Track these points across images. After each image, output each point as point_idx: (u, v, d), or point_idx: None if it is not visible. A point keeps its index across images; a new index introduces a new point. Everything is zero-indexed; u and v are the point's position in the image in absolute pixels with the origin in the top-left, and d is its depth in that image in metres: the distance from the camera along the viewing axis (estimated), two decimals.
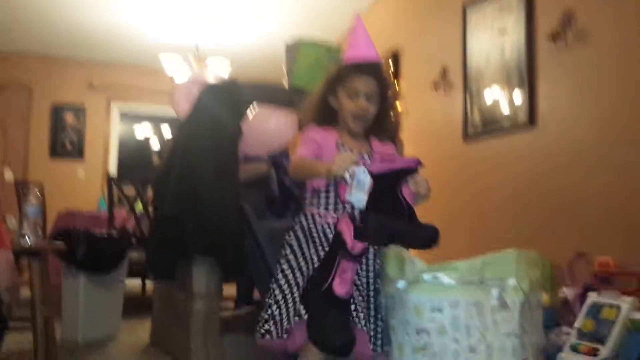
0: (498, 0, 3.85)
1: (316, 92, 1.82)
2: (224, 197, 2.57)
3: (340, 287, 1.50)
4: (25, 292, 2.17)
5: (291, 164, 1.79)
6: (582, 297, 2.80)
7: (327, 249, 1.64)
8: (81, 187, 6.03)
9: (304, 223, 1.78)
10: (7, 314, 1.76)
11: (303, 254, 1.69)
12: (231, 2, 5.21)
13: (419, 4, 4.97)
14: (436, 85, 4.42)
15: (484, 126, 3.97)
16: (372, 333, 1.62)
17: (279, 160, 2.93)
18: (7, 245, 1.82)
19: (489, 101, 3.93)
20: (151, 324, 3.18)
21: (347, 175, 1.49)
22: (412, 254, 1.71)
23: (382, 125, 1.83)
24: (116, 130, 6.60)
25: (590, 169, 3.14)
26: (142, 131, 7.02)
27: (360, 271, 1.68)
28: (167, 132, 7.08)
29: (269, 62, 4.74)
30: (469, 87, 4.12)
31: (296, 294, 1.62)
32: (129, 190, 3.94)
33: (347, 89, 1.72)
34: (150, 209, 3.41)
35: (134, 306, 3.81)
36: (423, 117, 4.70)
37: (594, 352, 2.48)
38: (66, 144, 6.24)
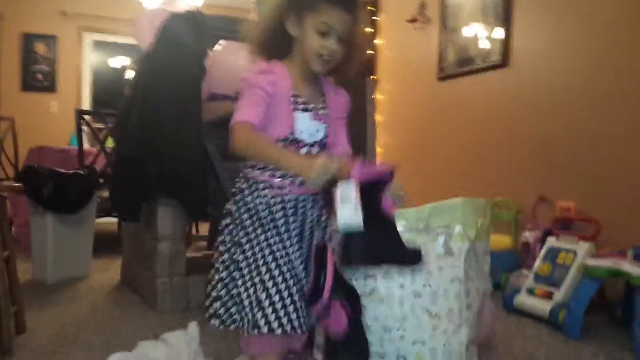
0: None
1: (271, 12, 1.42)
2: (186, 138, 2.53)
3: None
4: None
5: (237, 133, 1.32)
6: (542, 241, 2.87)
7: (289, 241, 1.42)
8: (54, 122, 5.92)
9: (248, 199, 1.44)
10: None
11: (258, 243, 1.41)
12: None
13: None
14: (414, 20, 4.32)
15: (459, 65, 3.92)
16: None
17: None
18: None
19: (464, 38, 3.86)
20: (122, 263, 3.22)
21: (336, 197, 1.24)
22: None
23: (343, 69, 1.52)
24: (89, 61, 6.42)
25: (560, 112, 3.13)
26: (118, 61, 6.82)
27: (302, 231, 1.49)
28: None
29: None
30: (446, 23, 4.04)
31: (255, 293, 1.35)
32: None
33: (317, 22, 1.35)
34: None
35: (111, 245, 3.84)
36: (399, 54, 4.63)
37: (548, 295, 2.57)
38: (38, 76, 6.07)
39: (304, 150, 1.44)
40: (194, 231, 3.94)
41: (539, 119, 3.27)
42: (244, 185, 1.47)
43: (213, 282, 1.44)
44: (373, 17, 4.74)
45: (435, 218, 1.74)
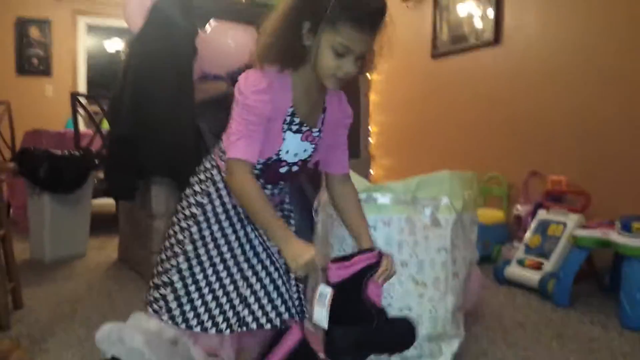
0: None
1: (285, 21, 1.25)
2: (179, 117, 2.55)
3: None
4: None
5: (235, 172, 1.25)
6: (534, 214, 2.91)
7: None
8: (49, 105, 5.93)
9: (225, 200, 1.37)
10: None
11: (223, 235, 1.36)
12: None
13: None
14: None
15: (452, 43, 3.92)
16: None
17: (238, 79, 2.88)
18: None
19: (457, 16, 3.85)
20: (119, 242, 3.26)
21: (315, 295, 1.26)
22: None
23: (353, 80, 1.47)
24: (84, 45, 6.40)
25: (552, 88, 3.15)
26: (113, 45, 6.80)
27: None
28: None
29: None
30: (439, 1, 4.04)
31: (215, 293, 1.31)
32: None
33: (335, 42, 1.21)
34: None
35: (108, 224, 3.89)
36: (393, 32, 4.61)
37: (538, 266, 2.61)
38: (33, 60, 6.06)
39: (284, 169, 1.37)
40: None
41: (530, 96, 3.28)
42: (218, 178, 1.38)
43: (169, 269, 1.36)
44: None
45: (423, 190, 1.78)
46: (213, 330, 1.30)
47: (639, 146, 2.67)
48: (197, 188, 1.39)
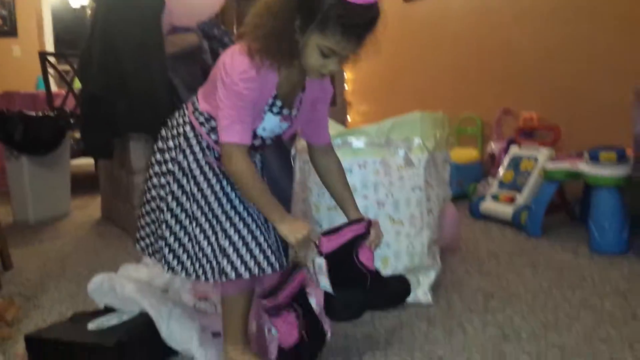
0: None
1: (278, 19, 1.23)
2: (150, 71, 2.54)
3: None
4: None
5: (233, 154, 1.28)
6: (507, 151, 2.98)
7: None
8: (18, 66, 5.78)
9: (199, 156, 1.38)
10: None
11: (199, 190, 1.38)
12: None
13: None
14: None
15: None
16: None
17: (209, 30, 2.85)
18: None
19: None
20: (101, 200, 3.29)
21: (311, 267, 1.36)
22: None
23: None
24: (48, 1, 6.20)
25: (522, 27, 3.17)
26: (77, 0, 6.59)
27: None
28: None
29: None
30: None
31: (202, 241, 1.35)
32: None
33: (322, 45, 1.22)
34: None
35: (89, 184, 3.89)
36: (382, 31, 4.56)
37: (511, 200, 2.71)
38: None
39: (257, 142, 1.39)
40: None
41: (501, 35, 3.30)
42: (191, 135, 1.38)
43: (155, 221, 1.42)
44: None
45: (396, 132, 1.83)
46: (203, 279, 1.36)
47: (606, 80, 2.74)
48: (170, 144, 1.40)
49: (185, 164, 1.38)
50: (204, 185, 1.37)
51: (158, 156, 1.43)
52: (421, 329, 1.60)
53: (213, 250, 1.34)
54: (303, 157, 1.85)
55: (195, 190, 1.37)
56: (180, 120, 1.42)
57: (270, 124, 1.37)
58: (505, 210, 2.66)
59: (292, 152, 1.98)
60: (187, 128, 1.40)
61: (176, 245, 1.37)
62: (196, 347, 1.44)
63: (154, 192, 1.42)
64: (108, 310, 1.56)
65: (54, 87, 4.10)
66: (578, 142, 2.80)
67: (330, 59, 1.25)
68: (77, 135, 3.43)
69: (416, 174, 1.79)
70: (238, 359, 1.40)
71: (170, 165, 1.39)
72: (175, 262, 1.37)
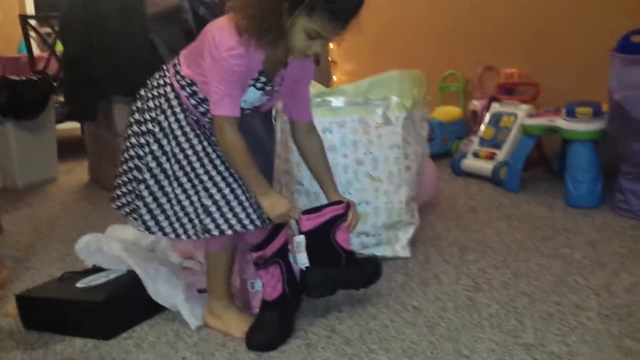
0: None
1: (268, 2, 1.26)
2: (131, 32, 2.54)
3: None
4: None
5: (224, 127, 1.33)
6: (488, 108, 3.02)
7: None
8: None
9: (180, 116, 1.40)
10: None
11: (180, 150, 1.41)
12: None
13: None
14: None
15: None
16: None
17: None
18: None
19: None
20: (88, 163, 3.31)
21: (294, 245, 1.45)
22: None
23: None
24: None
25: None
26: None
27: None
28: None
29: None
30: None
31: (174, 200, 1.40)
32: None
33: (309, 28, 1.26)
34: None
35: (75, 148, 3.90)
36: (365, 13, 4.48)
37: (491, 156, 2.76)
38: None
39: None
40: None
41: None
42: (172, 96, 1.40)
43: (135, 185, 1.45)
44: None
45: (374, 91, 1.86)
46: (184, 237, 1.40)
47: (584, 35, 2.75)
48: (150, 104, 1.43)
49: (166, 124, 1.41)
50: (186, 145, 1.40)
51: (137, 116, 1.46)
52: (398, 280, 1.68)
53: (195, 209, 1.38)
54: (284, 118, 1.88)
55: (177, 150, 1.40)
56: (162, 82, 1.45)
57: (251, 97, 1.42)
58: (485, 166, 2.71)
59: (273, 112, 2.01)
60: (168, 89, 1.42)
61: (154, 204, 1.41)
62: (181, 302, 1.50)
63: (132, 152, 1.45)
64: (97, 269, 1.62)
65: (36, 51, 4.05)
66: (559, 98, 2.83)
67: (315, 41, 1.30)
68: (62, 98, 3.42)
69: (394, 132, 1.83)
70: (221, 313, 1.47)
71: (150, 125, 1.42)
72: (152, 222, 1.41)
